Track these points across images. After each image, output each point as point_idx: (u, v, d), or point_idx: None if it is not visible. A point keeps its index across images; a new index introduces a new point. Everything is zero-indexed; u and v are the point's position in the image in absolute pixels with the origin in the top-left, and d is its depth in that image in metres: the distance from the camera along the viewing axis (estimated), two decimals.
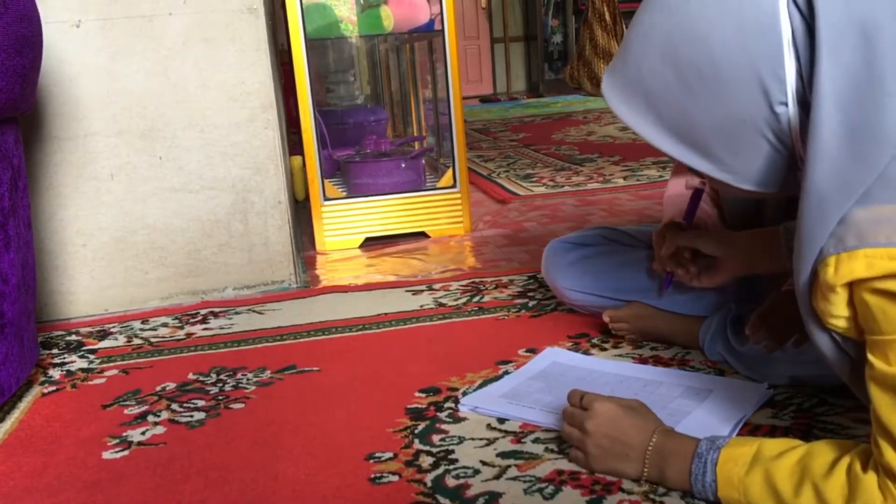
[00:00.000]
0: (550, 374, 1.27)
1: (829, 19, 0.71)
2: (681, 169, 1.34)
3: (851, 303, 0.74)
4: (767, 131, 0.77)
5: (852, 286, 0.73)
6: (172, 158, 1.79)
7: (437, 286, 1.80)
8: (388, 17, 2.26)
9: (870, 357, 0.73)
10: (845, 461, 0.77)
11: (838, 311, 0.75)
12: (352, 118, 2.89)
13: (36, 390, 1.38)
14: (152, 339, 1.59)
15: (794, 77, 0.74)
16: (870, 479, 0.74)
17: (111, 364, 1.48)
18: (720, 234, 1.20)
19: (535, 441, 1.07)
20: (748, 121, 0.77)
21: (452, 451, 1.06)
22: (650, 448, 0.92)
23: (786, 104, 0.75)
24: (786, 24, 0.73)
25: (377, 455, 1.07)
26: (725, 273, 1.17)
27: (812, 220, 0.74)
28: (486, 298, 1.69)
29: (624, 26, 6.39)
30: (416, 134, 2.93)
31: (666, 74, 0.78)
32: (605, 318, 1.37)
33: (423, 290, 1.78)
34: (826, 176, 0.72)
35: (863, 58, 0.71)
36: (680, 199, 1.33)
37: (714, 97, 0.77)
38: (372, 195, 2.26)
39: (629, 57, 0.82)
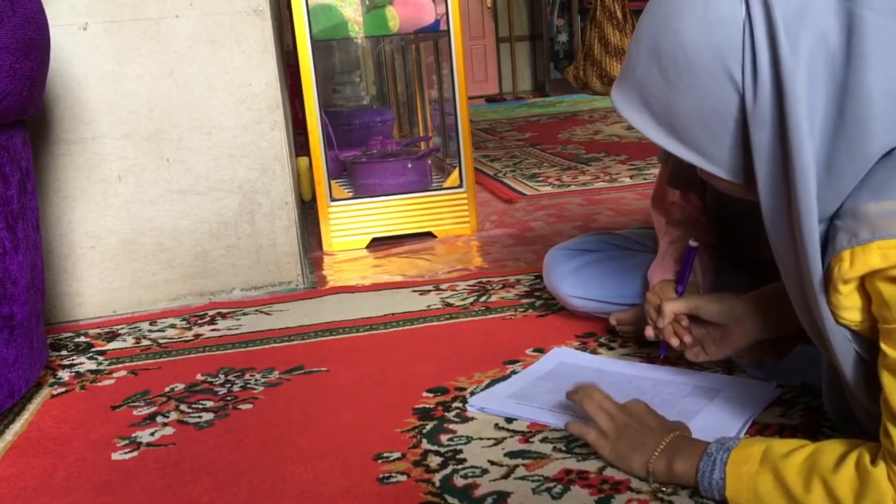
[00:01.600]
0: (558, 373, 1.27)
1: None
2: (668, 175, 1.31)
3: (865, 294, 0.75)
4: (741, 120, 0.81)
5: (865, 278, 0.73)
6: (180, 160, 1.80)
7: (444, 286, 1.80)
8: (394, 18, 2.26)
9: (883, 346, 0.74)
10: (854, 455, 0.78)
11: (851, 303, 0.75)
12: (358, 119, 2.89)
13: (45, 392, 1.38)
14: (160, 341, 1.60)
15: (761, 65, 0.78)
16: (879, 472, 0.75)
17: (120, 365, 1.48)
18: (722, 298, 1.06)
19: (544, 441, 1.07)
20: (723, 110, 0.81)
21: (460, 451, 1.06)
22: (664, 443, 0.93)
23: (755, 93, 0.78)
24: (747, 16, 0.78)
25: (385, 455, 1.07)
26: (735, 342, 1.05)
27: (807, 223, 0.76)
28: (493, 298, 1.69)
29: (635, 24, 6.38)
30: (422, 134, 2.93)
31: (652, 69, 0.84)
32: (612, 322, 1.38)
33: (430, 291, 1.78)
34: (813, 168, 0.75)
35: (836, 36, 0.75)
36: (671, 206, 1.32)
37: (690, 88, 0.82)
38: (378, 195, 2.26)
39: (629, 61, 0.88)
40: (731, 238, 1.30)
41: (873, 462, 0.76)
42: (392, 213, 2.26)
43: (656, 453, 0.93)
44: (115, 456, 1.14)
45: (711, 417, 1.07)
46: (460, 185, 2.28)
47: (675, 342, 1.10)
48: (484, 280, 1.82)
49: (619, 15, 6.33)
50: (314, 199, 2.29)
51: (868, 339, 0.77)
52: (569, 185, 2.85)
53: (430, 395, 1.24)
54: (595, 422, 1.01)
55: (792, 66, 0.75)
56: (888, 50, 0.74)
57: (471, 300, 1.69)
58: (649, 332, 1.12)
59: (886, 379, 0.74)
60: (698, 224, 1.29)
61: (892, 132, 0.75)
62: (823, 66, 0.75)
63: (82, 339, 1.65)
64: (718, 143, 0.83)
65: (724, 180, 0.86)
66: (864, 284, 0.74)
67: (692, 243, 1.16)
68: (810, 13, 0.75)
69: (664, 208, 1.33)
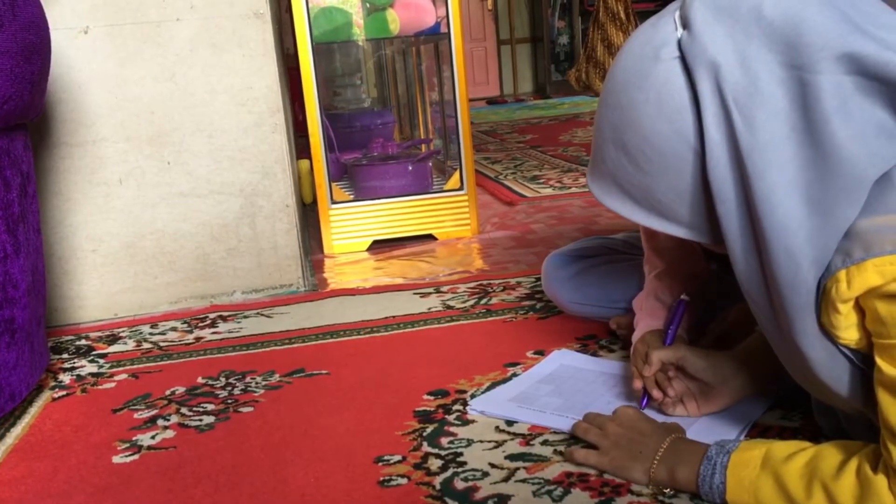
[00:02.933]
0: (559, 376, 1.27)
1: (718, 87, 0.78)
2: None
3: (859, 310, 0.75)
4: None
5: (861, 295, 0.73)
6: (181, 163, 1.80)
7: (444, 288, 1.80)
8: (395, 21, 2.26)
9: (878, 361, 0.74)
10: (854, 462, 0.77)
11: (849, 322, 0.75)
12: (359, 121, 2.89)
13: (46, 395, 1.38)
14: (161, 344, 1.60)
15: (713, 146, 0.79)
16: (880, 481, 0.74)
17: (121, 368, 1.48)
18: (710, 354, 1.06)
19: (544, 443, 1.07)
20: (702, 187, 0.82)
21: (461, 454, 1.06)
22: (662, 448, 0.93)
23: (712, 171, 0.80)
24: (693, 101, 0.80)
25: (386, 458, 1.07)
26: (719, 402, 1.05)
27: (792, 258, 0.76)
28: (494, 301, 1.69)
29: (638, 25, 6.38)
30: (422, 136, 2.93)
31: (621, 160, 0.86)
32: (613, 326, 1.38)
33: (430, 293, 1.78)
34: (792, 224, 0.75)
35: (792, 101, 0.76)
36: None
37: (663, 172, 0.83)
38: (379, 198, 2.26)
39: (596, 153, 0.91)
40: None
41: (874, 470, 0.75)
42: (393, 215, 2.26)
43: (656, 460, 0.92)
44: (116, 459, 1.14)
45: (712, 420, 1.07)
46: (461, 188, 2.28)
47: (657, 395, 1.07)
48: (485, 282, 1.82)
49: (623, 16, 6.34)
50: (315, 202, 2.30)
51: (870, 356, 0.77)
52: (570, 188, 2.85)
53: (431, 397, 1.24)
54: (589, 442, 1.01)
55: (750, 145, 0.76)
56: (848, 104, 0.74)
57: (471, 303, 1.69)
58: (637, 385, 1.10)
59: (882, 395, 0.74)
60: (688, 253, 1.23)
61: (875, 167, 0.74)
62: (787, 139, 0.75)
63: (83, 342, 1.65)
64: (702, 215, 0.84)
65: (711, 244, 0.87)
66: (859, 301, 0.74)
67: (684, 297, 1.14)
68: (761, 90, 0.76)
69: (649, 232, 1.30)
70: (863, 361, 0.78)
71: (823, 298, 0.76)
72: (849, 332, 0.76)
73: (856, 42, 0.73)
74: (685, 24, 0.81)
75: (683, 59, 0.81)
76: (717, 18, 0.79)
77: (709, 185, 0.81)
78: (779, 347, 0.85)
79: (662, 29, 0.83)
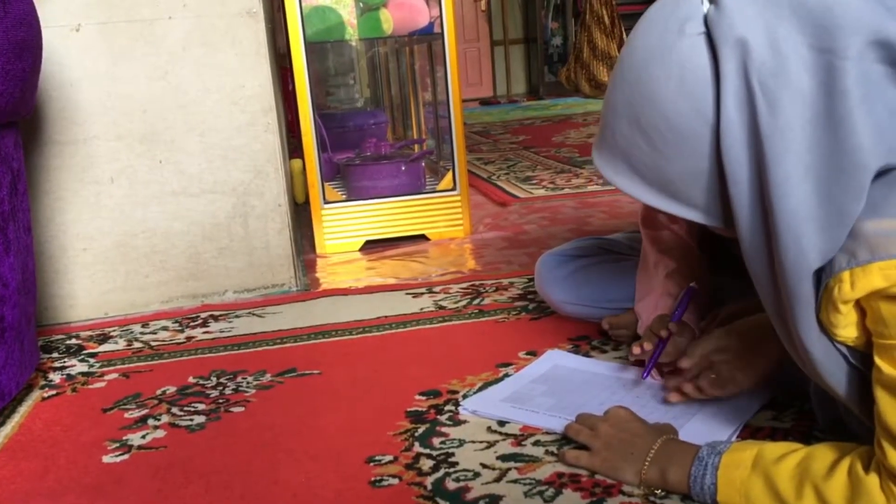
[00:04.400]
0: (552, 376, 1.27)
1: (744, 66, 0.76)
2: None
3: (860, 310, 0.75)
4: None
5: (863, 297, 0.73)
6: (173, 162, 1.79)
7: (437, 289, 1.80)
8: (388, 20, 2.26)
9: (877, 361, 0.74)
10: (846, 462, 0.78)
11: (849, 321, 0.75)
12: (352, 121, 2.89)
13: (36, 394, 1.38)
14: (152, 343, 1.59)
15: (730, 128, 0.78)
16: (872, 481, 0.74)
17: (111, 368, 1.48)
18: (731, 331, 1.05)
19: (536, 444, 1.07)
20: (717, 168, 0.80)
21: (453, 454, 1.06)
22: (653, 449, 0.93)
23: (727, 152, 0.78)
24: (714, 79, 0.78)
25: (377, 458, 1.07)
26: (756, 368, 1.03)
27: (795, 258, 0.75)
28: (487, 301, 1.69)
29: (623, 29, 6.40)
30: (415, 137, 2.93)
31: (636, 138, 0.84)
32: (605, 326, 1.38)
33: (423, 293, 1.78)
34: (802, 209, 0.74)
35: (818, 84, 0.74)
36: (661, 228, 1.30)
37: (679, 151, 0.81)
38: (372, 198, 2.26)
39: (606, 130, 0.88)
40: (728, 247, 1.30)
41: (866, 470, 0.75)
42: (385, 215, 2.26)
43: (647, 461, 0.92)
44: (107, 459, 1.13)
45: (704, 421, 1.07)
46: (454, 188, 2.28)
47: (689, 389, 1.07)
48: (477, 283, 1.82)
49: (607, 20, 6.36)
50: (307, 202, 2.29)
51: (866, 354, 0.77)
52: (562, 189, 2.85)
53: (423, 397, 1.24)
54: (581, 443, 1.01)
55: (770, 127, 0.75)
56: (872, 94, 0.73)
57: (464, 303, 1.69)
58: (636, 350, 1.12)
59: (880, 394, 0.74)
60: (690, 253, 1.26)
61: (886, 157, 0.74)
62: (809, 124, 0.74)
63: (74, 341, 1.64)
64: (715, 198, 0.82)
65: (722, 228, 0.86)
66: (860, 302, 0.74)
67: (692, 285, 1.16)
68: (787, 72, 0.74)
69: (654, 230, 1.31)
70: (858, 360, 0.78)
71: (825, 296, 0.75)
72: (847, 331, 0.76)
73: (890, 28, 0.71)
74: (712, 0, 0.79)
75: (709, 35, 0.78)
76: None
77: (723, 166, 0.79)
78: (783, 333, 0.84)
79: (688, 2, 0.80)
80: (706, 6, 0.79)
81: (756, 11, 0.76)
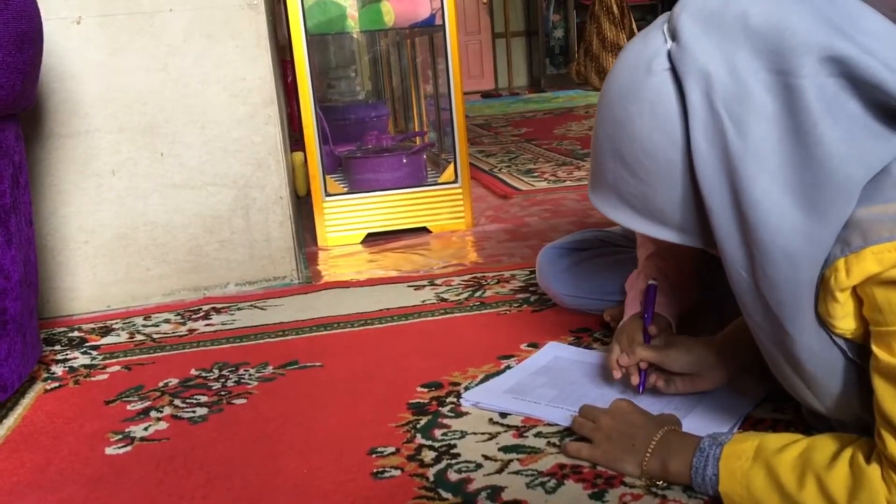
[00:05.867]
0: (553, 368, 1.27)
1: (706, 97, 0.79)
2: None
3: (857, 298, 0.75)
4: None
5: (858, 283, 0.74)
6: (174, 155, 1.79)
7: (438, 281, 1.80)
8: (389, 13, 2.25)
9: (874, 349, 0.74)
10: (847, 453, 0.78)
11: (846, 311, 0.76)
12: (353, 114, 2.89)
13: (38, 386, 1.38)
14: (154, 336, 1.60)
15: (700, 154, 0.80)
16: (873, 471, 0.75)
17: (113, 360, 1.48)
18: (691, 349, 1.08)
19: (537, 435, 1.07)
20: (697, 194, 0.82)
21: (454, 446, 1.06)
22: (655, 441, 0.93)
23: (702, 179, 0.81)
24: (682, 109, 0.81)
25: (379, 450, 1.07)
26: (707, 383, 1.08)
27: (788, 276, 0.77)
28: (488, 293, 1.69)
29: (632, 19, 6.38)
30: (417, 129, 2.93)
31: (621, 172, 0.87)
32: (606, 318, 1.38)
33: (424, 286, 1.78)
34: (789, 229, 0.76)
35: (782, 107, 0.76)
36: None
37: (662, 182, 0.84)
38: (373, 191, 2.26)
39: (595, 167, 0.92)
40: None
41: (867, 460, 0.76)
42: (387, 208, 2.26)
43: (649, 452, 0.93)
44: (109, 451, 1.14)
45: (705, 413, 1.07)
46: (455, 181, 2.28)
47: (634, 381, 1.12)
48: (479, 275, 1.82)
49: (616, 11, 6.33)
50: (309, 194, 2.29)
51: (865, 347, 0.77)
52: (564, 181, 2.85)
53: (425, 389, 1.24)
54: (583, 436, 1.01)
55: (741, 150, 0.77)
56: (833, 105, 0.74)
57: (465, 295, 1.69)
58: (617, 375, 1.12)
59: (878, 383, 0.74)
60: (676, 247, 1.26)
61: (865, 167, 0.75)
62: (778, 142, 0.76)
63: (76, 333, 1.64)
64: (699, 221, 0.85)
65: (717, 251, 0.87)
66: (857, 290, 0.75)
67: (651, 282, 1.16)
68: (750, 96, 0.77)
69: None
70: (855, 354, 0.78)
71: (822, 287, 0.76)
72: (845, 322, 0.77)
73: (838, 45, 0.74)
74: (674, 37, 0.82)
75: (674, 70, 0.82)
76: (704, 29, 0.80)
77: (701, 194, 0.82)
78: (768, 349, 0.85)
79: (652, 41, 0.84)
80: (669, 43, 0.82)
81: (713, 43, 0.79)
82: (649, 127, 0.83)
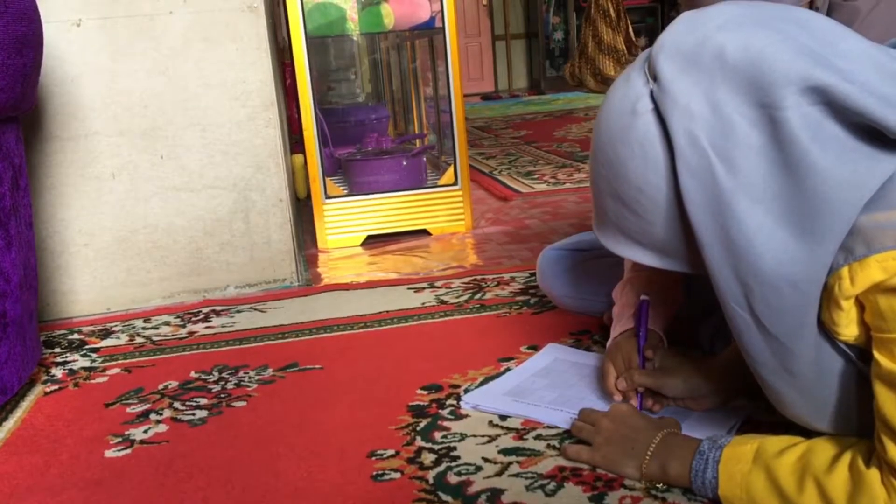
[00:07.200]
0: (553, 370, 1.27)
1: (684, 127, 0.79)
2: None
3: (859, 305, 0.75)
4: None
5: (862, 291, 0.74)
6: (174, 157, 1.79)
7: (438, 284, 1.80)
8: (389, 15, 2.26)
9: (876, 355, 0.74)
10: (847, 457, 0.78)
11: (850, 318, 0.76)
12: (353, 116, 2.89)
13: (38, 389, 1.38)
14: (154, 338, 1.60)
15: (689, 194, 0.80)
16: (873, 475, 0.75)
17: (113, 363, 1.48)
18: (688, 378, 1.08)
19: (537, 438, 1.07)
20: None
21: (454, 448, 1.06)
22: (654, 443, 0.93)
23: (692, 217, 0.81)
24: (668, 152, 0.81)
25: (379, 452, 1.07)
26: (702, 406, 1.08)
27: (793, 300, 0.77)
28: (488, 296, 1.69)
29: (628, 22, 6.39)
30: (417, 132, 2.93)
31: (622, 211, 0.88)
32: (606, 320, 1.38)
33: (424, 288, 1.78)
34: (784, 258, 0.75)
35: (768, 137, 0.76)
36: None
37: (660, 218, 0.84)
38: (373, 193, 2.26)
39: (598, 208, 0.93)
40: None
41: (867, 464, 0.76)
42: (387, 210, 2.26)
43: (648, 455, 0.93)
44: (109, 453, 1.14)
45: (705, 416, 1.07)
46: (455, 183, 2.28)
47: (633, 404, 1.10)
48: (479, 277, 1.82)
49: (613, 14, 6.34)
50: (309, 197, 2.29)
51: (868, 352, 0.77)
52: (564, 183, 2.85)
53: (425, 392, 1.24)
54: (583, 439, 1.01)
55: (732, 186, 0.76)
56: (820, 133, 0.74)
57: (465, 298, 1.69)
58: (617, 398, 1.11)
59: (879, 388, 0.74)
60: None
61: (861, 189, 0.74)
62: (769, 175, 0.76)
63: (76, 336, 1.64)
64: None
65: None
66: (859, 297, 0.75)
67: (643, 298, 1.15)
68: (735, 131, 0.77)
69: None
70: (860, 359, 0.78)
71: (825, 295, 0.76)
72: (849, 329, 0.77)
73: (816, 74, 0.73)
74: (654, 77, 0.82)
75: (658, 110, 0.82)
76: (682, 69, 0.80)
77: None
78: (769, 382, 0.83)
79: (634, 83, 0.84)
80: (651, 84, 0.82)
81: (692, 81, 0.79)
82: (642, 168, 0.83)
